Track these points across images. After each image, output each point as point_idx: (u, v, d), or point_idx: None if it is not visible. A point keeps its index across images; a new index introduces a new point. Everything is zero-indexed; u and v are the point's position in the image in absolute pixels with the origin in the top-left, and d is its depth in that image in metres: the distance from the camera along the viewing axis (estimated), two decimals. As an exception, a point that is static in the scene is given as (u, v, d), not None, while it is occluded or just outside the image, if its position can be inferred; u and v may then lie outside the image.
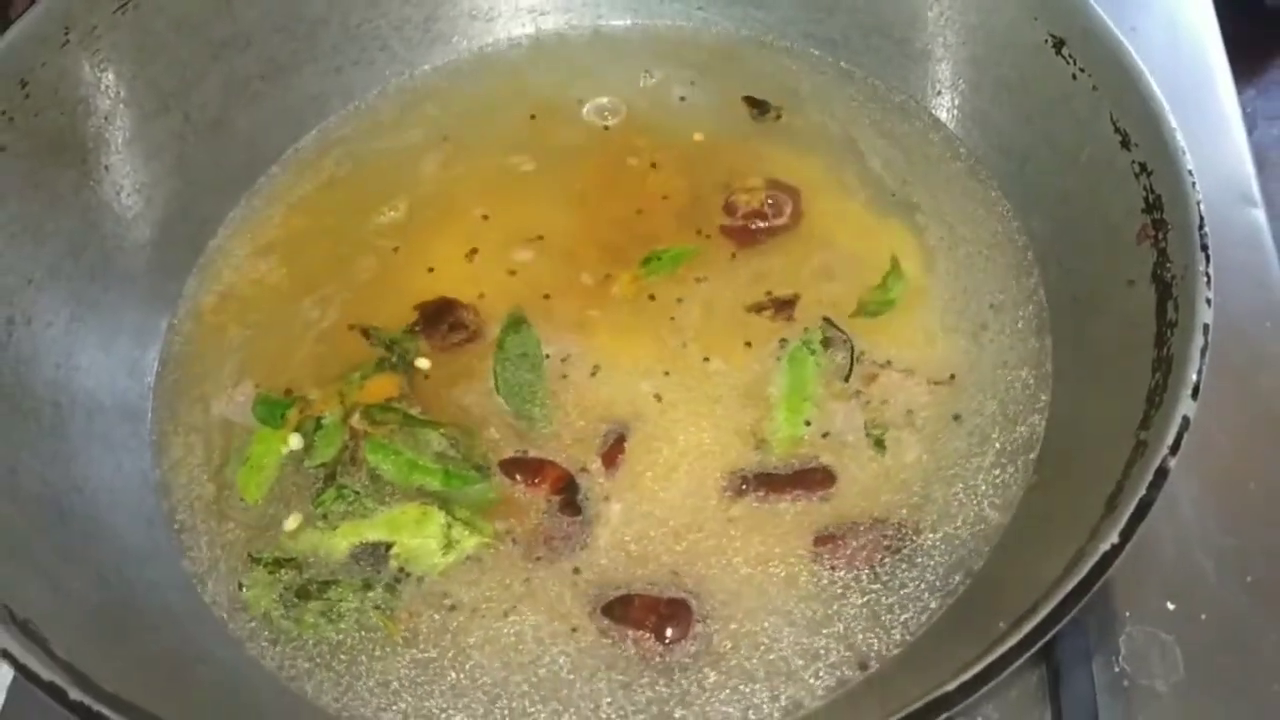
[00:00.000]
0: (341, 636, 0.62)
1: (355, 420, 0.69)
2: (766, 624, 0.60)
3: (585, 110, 0.83)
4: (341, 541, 0.65)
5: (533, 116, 0.83)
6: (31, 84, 0.68)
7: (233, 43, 0.79)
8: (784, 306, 0.72)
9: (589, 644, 0.61)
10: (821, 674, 0.59)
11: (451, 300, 0.74)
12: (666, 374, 0.70)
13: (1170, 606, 0.67)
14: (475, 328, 0.73)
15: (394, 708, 0.60)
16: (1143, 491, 0.49)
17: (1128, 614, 0.67)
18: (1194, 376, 0.52)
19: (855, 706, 0.57)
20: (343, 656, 0.62)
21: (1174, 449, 0.50)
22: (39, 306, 0.68)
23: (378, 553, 0.65)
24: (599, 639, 0.61)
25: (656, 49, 0.86)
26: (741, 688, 0.59)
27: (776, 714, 0.58)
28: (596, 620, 0.61)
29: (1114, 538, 0.48)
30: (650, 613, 0.61)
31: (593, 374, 0.70)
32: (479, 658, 0.61)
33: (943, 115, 0.79)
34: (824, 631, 0.60)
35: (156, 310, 0.76)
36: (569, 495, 0.65)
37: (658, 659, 0.60)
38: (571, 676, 0.60)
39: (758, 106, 0.81)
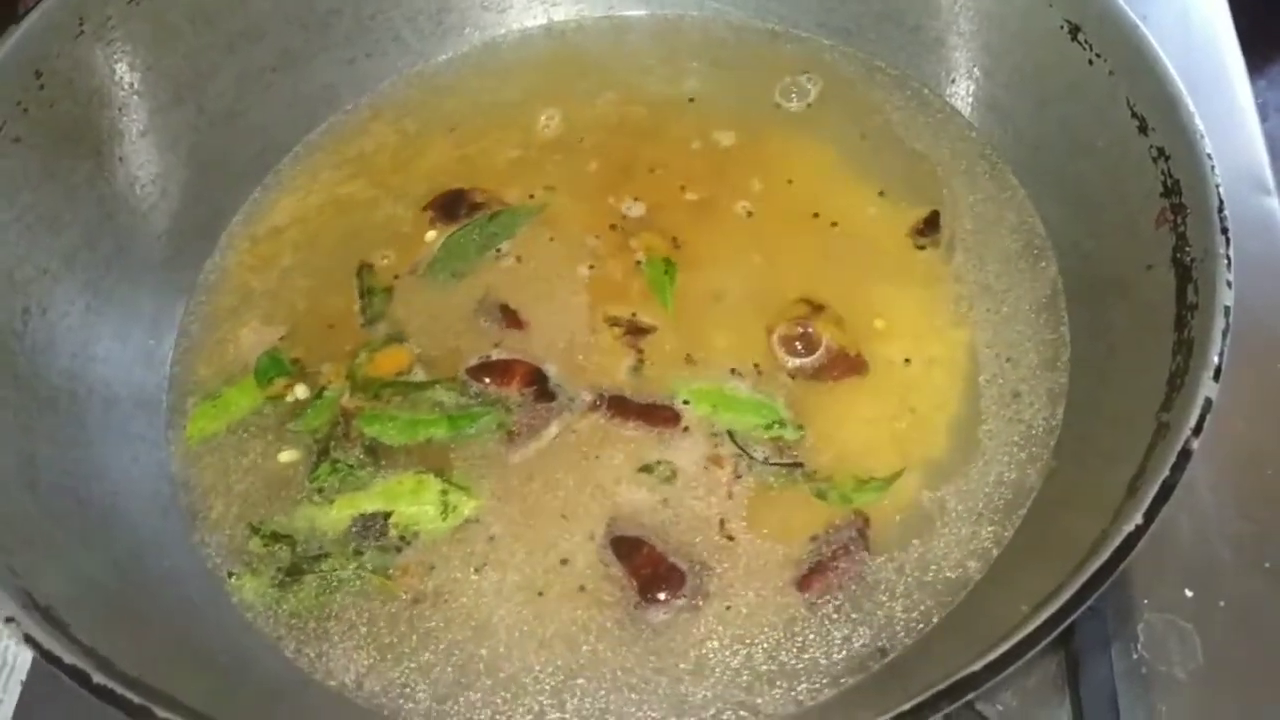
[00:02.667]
0: (347, 611, 0.63)
1: (345, 400, 0.70)
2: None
3: (599, 101, 0.83)
4: (340, 514, 0.66)
5: (545, 110, 0.83)
6: (46, 75, 0.69)
7: (246, 34, 0.79)
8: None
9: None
10: (838, 662, 0.59)
11: (461, 189, 0.78)
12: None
13: (1188, 594, 0.67)
14: (486, 202, 0.78)
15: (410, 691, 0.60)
16: (1166, 473, 0.49)
17: (1146, 602, 0.67)
18: (1215, 358, 0.52)
19: (880, 691, 0.56)
20: (354, 636, 0.62)
21: (1197, 430, 0.50)
22: (55, 297, 0.68)
23: (377, 522, 0.66)
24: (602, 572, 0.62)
25: (670, 39, 0.86)
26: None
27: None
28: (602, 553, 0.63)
29: (1138, 519, 0.48)
30: (650, 566, 0.62)
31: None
32: (480, 616, 0.62)
33: (957, 102, 0.79)
34: (840, 622, 0.60)
35: (171, 300, 0.76)
36: (541, 385, 0.69)
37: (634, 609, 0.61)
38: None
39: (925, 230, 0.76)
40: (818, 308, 0.71)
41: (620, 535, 0.63)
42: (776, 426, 0.66)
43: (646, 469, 0.66)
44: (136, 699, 0.46)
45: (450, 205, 0.78)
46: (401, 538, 0.65)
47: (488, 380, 0.70)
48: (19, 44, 0.67)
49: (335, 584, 0.64)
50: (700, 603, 0.61)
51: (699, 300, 0.72)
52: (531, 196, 0.78)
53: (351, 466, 0.68)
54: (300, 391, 0.71)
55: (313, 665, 0.61)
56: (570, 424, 0.68)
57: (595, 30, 0.87)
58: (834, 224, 0.75)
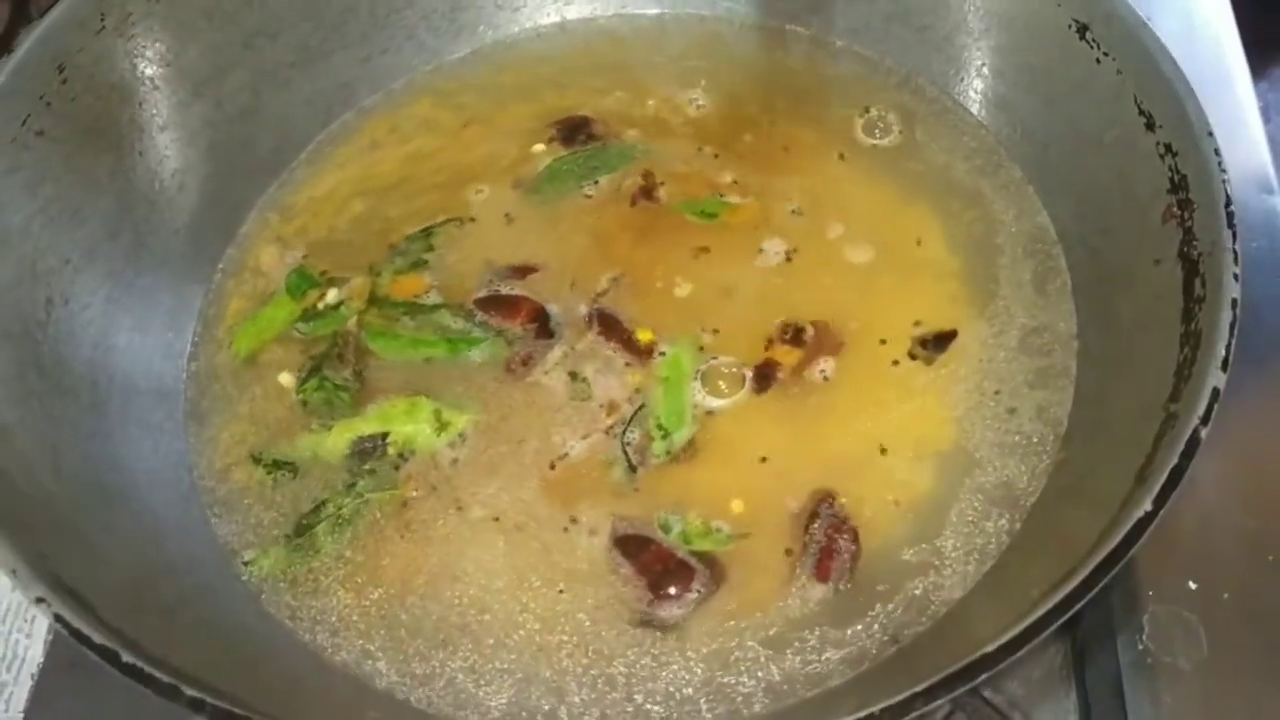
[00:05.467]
0: (358, 572, 0.64)
1: (352, 324, 0.73)
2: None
3: (608, 102, 0.84)
4: (338, 439, 0.69)
5: (553, 113, 0.84)
6: (69, 69, 0.69)
7: (263, 31, 0.80)
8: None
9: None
10: (848, 649, 0.60)
11: (585, 115, 0.82)
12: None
13: (1193, 586, 0.67)
14: (604, 135, 0.81)
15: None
16: (1175, 460, 0.49)
17: (1150, 593, 0.67)
18: (1223, 350, 0.52)
19: (893, 675, 0.57)
20: (371, 618, 0.63)
21: (1205, 419, 0.51)
22: (77, 288, 0.69)
23: (375, 444, 0.69)
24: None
25: (681, 38, 0.87)
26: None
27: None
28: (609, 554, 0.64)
29: (1147, 505, 0.49)
30: (659, 562, 0.63)
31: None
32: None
33: (965, 101, 0.80)
34: (853, 614, 0.61)
35: (190, 293, 0.77)
36: (542, 323, 0.73)
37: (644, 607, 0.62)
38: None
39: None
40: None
41: (626, 534, 0.64)
42: (660, 432, 0.68)
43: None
44: (165, 678, 0.47)
45: (572, 130, 0.82)
46: (400, 455, 0.68)
47: (493, 312, 0.73)
48: (42, 38, 0.68)
49: (344, 520, 0.66)
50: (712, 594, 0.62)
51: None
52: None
53: (337, 386, 0.71)
54: (332, 296, 0.75)
55: (338, 656, 0.62)
56: (564, 361, 0.71)
57: (608, 29, 0.88)
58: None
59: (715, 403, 0.68)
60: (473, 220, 0.78)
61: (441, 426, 0.69)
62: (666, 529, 0.64)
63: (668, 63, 0.86)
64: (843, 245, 0.75)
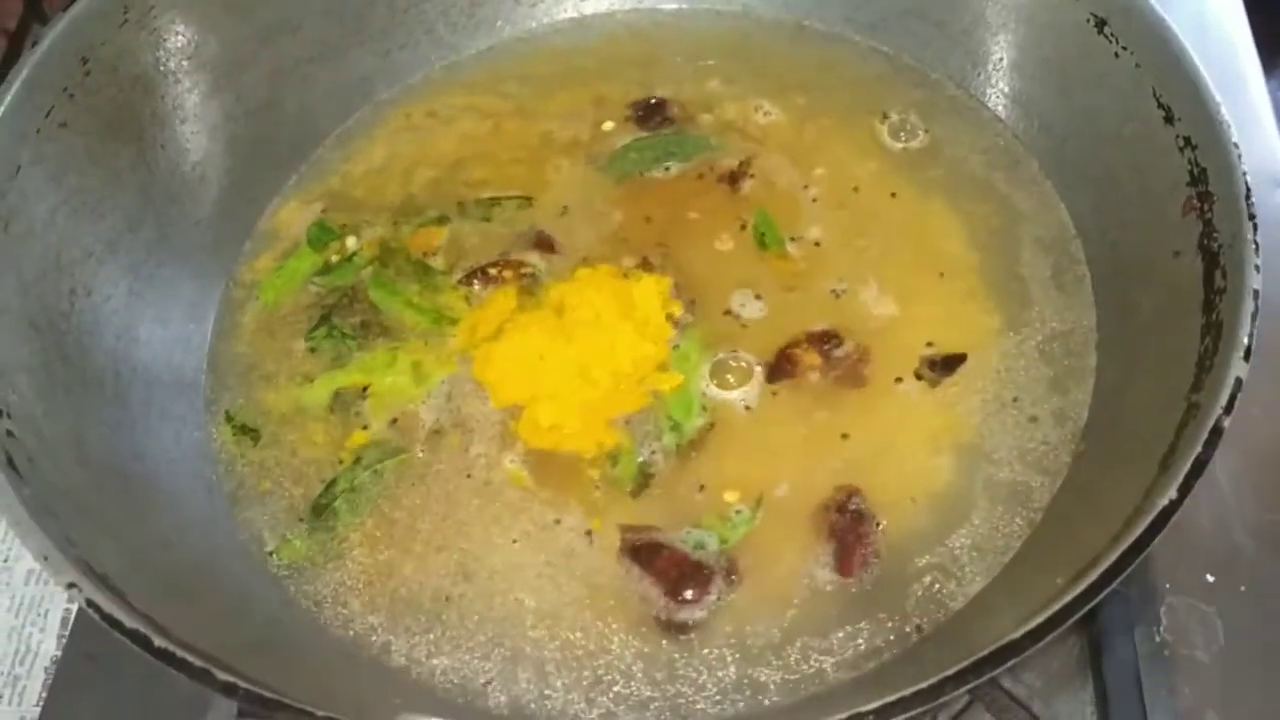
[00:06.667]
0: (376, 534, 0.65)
1: (365, 272, 0.76)
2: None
3: (596, 105, 0.84)
4: (320, 391, 0.71)
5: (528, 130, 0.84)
6: (92, 62, 0.70)
7: (282, 26, 0.80)
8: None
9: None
10: (869, 642, 0.60)
11: (664, 99, 0.83)
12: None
13: (1209, 579, 0.68)
14: (679, 118, 0.82)
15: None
16: (1199, 449, 0.50)
17: (1168, 586, 0.68)
18: (1245, 339, 0.53)
19: (911, 666, 0.57)
20: (398, 601, 0.64)
21: (1228, 409, 0.51)
22: (99, 279, 0.69)
23: (355, 395, 0.71)
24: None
25: (699, 34, 0.87)
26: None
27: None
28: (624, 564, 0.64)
29: (1172, 493, 0.49)
30: (675, 567, 0.62)
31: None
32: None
33: (983, 95, 0.80)
34: (874, 607, 0.61)
35: (210, 285, 0.77)
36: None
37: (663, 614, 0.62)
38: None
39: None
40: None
41: (637, 543, 0.64)
42: (671, 428, 0.68)
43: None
44: (198, 662, 0.47)
45: (649, 111, 0.83)
46: (394, 420, 0.69)
47: (476, 285, 0.75)
48: (66, 30, 0.68)
49: (360, 491, 0.67)
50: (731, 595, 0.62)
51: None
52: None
53: (345, 334, 0.73)
54: (351, 243, 0.78)
55: (363, 639, 0.63)
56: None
57: (625, 25, 0.88)
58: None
59: (724, 394, 0.68)
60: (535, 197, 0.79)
61: (420, 379, 0.70)
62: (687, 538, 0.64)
63: (688, 59, 0.86)
64: (874, 254, 0.75)
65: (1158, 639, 0.66)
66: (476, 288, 0.74)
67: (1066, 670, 0.68)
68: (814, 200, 0.77)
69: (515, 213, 0.78)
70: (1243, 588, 0.68)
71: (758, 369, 0.69)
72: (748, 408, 0.68)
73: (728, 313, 0.72)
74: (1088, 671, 0.67)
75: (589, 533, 0.65)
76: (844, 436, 0.67)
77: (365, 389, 0.71)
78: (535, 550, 0.64)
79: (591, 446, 0.67)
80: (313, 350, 0.73)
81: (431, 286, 0.75)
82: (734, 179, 0.78)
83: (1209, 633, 0.67)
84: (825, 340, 0.70)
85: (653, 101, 0.83)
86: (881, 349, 0.70)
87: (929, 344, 0.69)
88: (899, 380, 0.68)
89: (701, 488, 0.66)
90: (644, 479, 0.66)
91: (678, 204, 0.78)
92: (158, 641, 0.48)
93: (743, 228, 0.76)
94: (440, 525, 0.66)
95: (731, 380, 0.69)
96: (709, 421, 0.67)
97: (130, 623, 0.48)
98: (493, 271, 0.75)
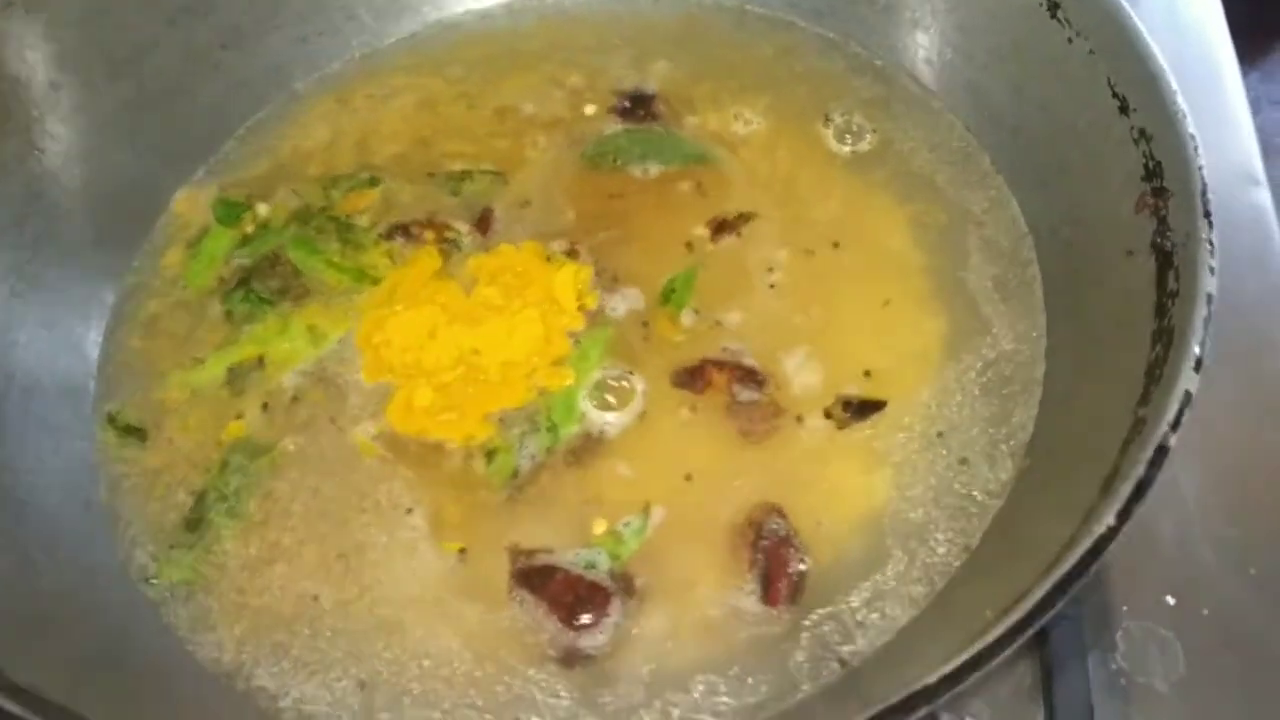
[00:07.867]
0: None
1: (287, 234, 0.74)
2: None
3: (558, 87, 0.81)
4: (215, 369, 0.69)
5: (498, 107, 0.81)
6: (-30, 47, 0.66)
7: (190, 8, 0.77)
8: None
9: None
10: (802, 671, 0.56)
11: (651, 92, 0.80)
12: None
13: (1170, 601, 0.65)
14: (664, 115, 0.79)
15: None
16: (1141, 471, 0.47)
17: (1125, 608, 0.64)
18: (1196, 348, 0.50)
19: (837, 700, 0.54)
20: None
21: (1174, 425, 0.48)
22: (-27, 281, 0.65)
23: (252, 368, 0.69)
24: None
25: (634, 18, 0.84)
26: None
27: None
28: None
29: (1110, 520, 0.46)
30: (569, 591, 0.59)
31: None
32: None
33: (931, 84, 0.77)
34: (796, 629, 0.57)
35: (105, 284, 0.73)
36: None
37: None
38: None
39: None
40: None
41: (526, 568, 0.60)
42: (547, 429, 0.64)
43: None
44: (18, 710, 0.42)
45: (634, 104, 0.80)
46: (265, 405, 0.67)
47: (400, 240, 0.73)
48: (-59, 16, 0.65)
49: (233, 496, 0.64)
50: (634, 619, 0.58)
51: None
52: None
53: (263, 299, 0.71)
54: (263, 210, 0.76)
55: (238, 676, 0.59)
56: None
57: (557, 9, 0.85)
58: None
59: (601, 415, 0.65)
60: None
61: (316, 340, 0.68)
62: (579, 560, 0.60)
63: (624, 44, 0.82)
64: (823, 259, 0.71)
65: (1114, 666, 0.63)
66: (399, 242, 0.73)
67: (1017, 699, 0.64)
68: (771, 286, 0.70)
69: (488, 187, 0.75)
70: (1205, 611, 0.65)
71: (640, 392, 0.65)
72: (643, 415, 0.65)
73: (645, 324, 0.68)
74: (1040, 701, 0.64)
75: (463, 551, 0.61)
76: (761, 453, 0.63)
77: (261, 359, 0.68)
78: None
79: (461, 438, 0.64)
80: (229, 314, 0.71)
81: (354, 244, 0.73)
82: (721, 228, 0.72)
83: (1169, 660, 0.63)
84: (745, 379, 0.65)
85: (640, 94, 0.79)
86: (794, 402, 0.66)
87: (866, 372, 0.66)
88: (800, 419, 0.64)
89: (586, 501, 0.62)
90: (518, 482, 0.62)
91: (643, 205, 0.74)
92: (-16, 682, 0.43)
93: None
94: (307, 520, 0.63)
95: (611, 401, 0.65)
96: (585, 432, 0.64)
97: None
98: (414, 230, 0.73)
